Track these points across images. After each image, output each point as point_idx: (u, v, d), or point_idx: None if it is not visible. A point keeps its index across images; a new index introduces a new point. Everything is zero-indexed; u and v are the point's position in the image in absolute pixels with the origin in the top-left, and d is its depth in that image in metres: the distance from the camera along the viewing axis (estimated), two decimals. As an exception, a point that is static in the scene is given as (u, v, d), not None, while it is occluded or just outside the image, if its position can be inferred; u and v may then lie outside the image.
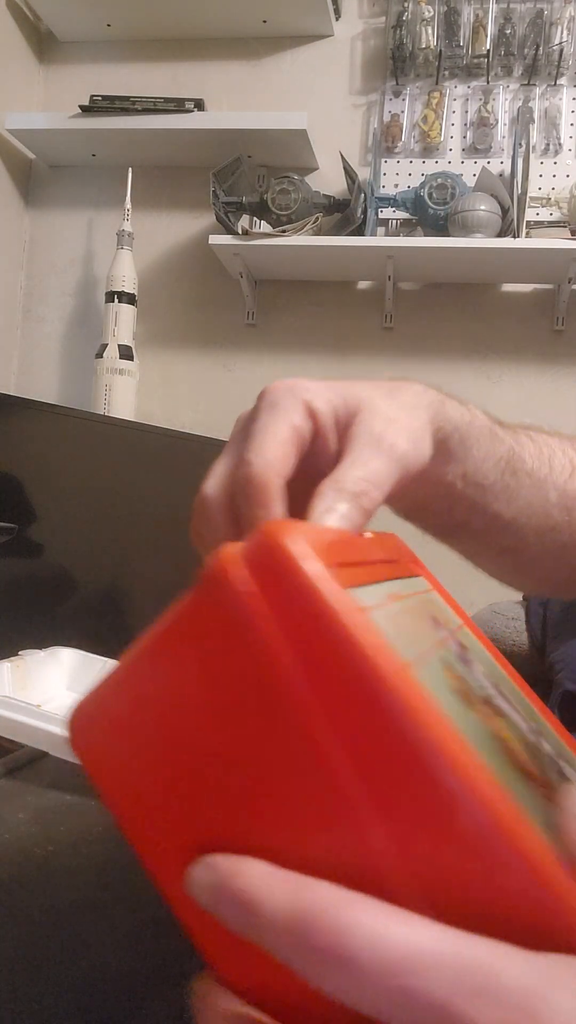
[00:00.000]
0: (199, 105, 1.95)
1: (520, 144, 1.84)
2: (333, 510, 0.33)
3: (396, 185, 1.98)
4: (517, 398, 1.97)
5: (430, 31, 1.94)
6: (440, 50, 1.94)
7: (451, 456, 0.42)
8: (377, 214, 1.92)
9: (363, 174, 1.95)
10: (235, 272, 1.99)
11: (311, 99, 2.04)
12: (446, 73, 1.97)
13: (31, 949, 0.39)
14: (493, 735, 0.26)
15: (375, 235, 1.91)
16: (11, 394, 1.95)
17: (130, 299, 1.95)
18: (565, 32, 1.89)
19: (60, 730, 0.56)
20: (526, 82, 1.95)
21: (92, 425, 1.26)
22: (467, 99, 1.98)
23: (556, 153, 1.94)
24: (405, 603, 0.30)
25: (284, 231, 1.85)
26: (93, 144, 2.05)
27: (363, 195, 1.85)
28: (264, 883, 0.22)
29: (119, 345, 1.92)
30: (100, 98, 1.97)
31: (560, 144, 1.94)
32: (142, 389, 1.99)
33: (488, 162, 1.94)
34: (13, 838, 0.48)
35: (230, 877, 0.22)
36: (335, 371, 2.05)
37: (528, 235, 1.81)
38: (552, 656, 1.14)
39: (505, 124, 1.96)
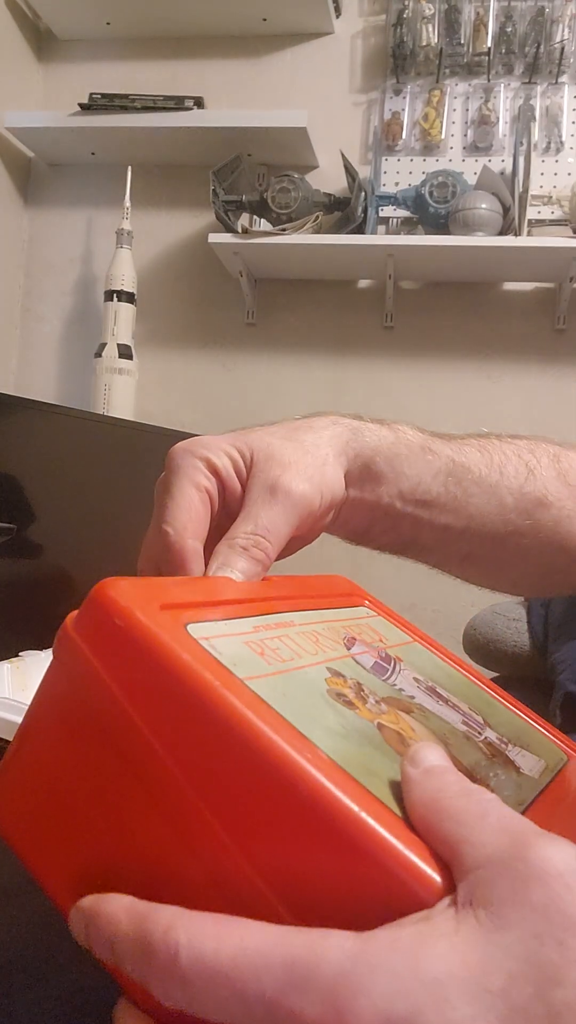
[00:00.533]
0: (199, 103, 1.94)
1: (521, 142, 1.83)
2: (225, 566, 0.36)
3: (397, 183, 1.98)
4: (518, 397, 1.96)
5: (431, 29, 1.93)
6: (441, 48, 1.93)
7: (380, 479, 0.44)
8: (378, 212, 1.91)
9: (363, 172, 1.94)
10: (235, 271, 1.98)
11: (311, 97, 2.03)
12: (447, 71, 1.97)
13: (30, 953, 0.38)
14: (372, 727, 0.29)
15: (375, 234, 1.90)
16: (10, 393, 1.94)
17: (129, 298, 1.94)
18: (566, 30, 1.89)
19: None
20: (527, 80, 1.94)
21: (91, 425, 1.25)
22: (468, 97, 1.97)
23: (557, 151, 1.93)
24: (291, 629, 0.33)
25: (284, 230, 1.85)
26: (92, 142, 2.04)
27: (363, 193, 1.84)
28: (116, 917, 0.24)
29: (118, 344, 1.91)
30: (99, 96, 1.96)
31: (561, 142, 1.93)
32: (141, 388, 1.99)
33: (489, 160, 1.93)
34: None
35: (93, 918, 0.25)
36: (335, 370, 2.04)
37: (529, 234, 1.80)
38: (554, 657, 1.13)
39: (506, 122, 1.96)
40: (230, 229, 1.86)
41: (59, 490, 1.05)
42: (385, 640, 0.39)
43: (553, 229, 1.85)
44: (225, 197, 1.85)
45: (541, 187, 1.91)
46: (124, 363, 1.91)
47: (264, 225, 1.90)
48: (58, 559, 1.04)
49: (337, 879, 0.22)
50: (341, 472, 0.43)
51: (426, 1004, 0.20)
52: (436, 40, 1.94)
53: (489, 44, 1.91)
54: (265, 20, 2.02)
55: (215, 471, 0.39)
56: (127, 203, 1.96)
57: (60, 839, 0.28)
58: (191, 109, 1.93)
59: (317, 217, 1.86)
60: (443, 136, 1.97)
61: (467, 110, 1.97)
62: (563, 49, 1.89)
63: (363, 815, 0.22)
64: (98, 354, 1.93)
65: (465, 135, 1.98)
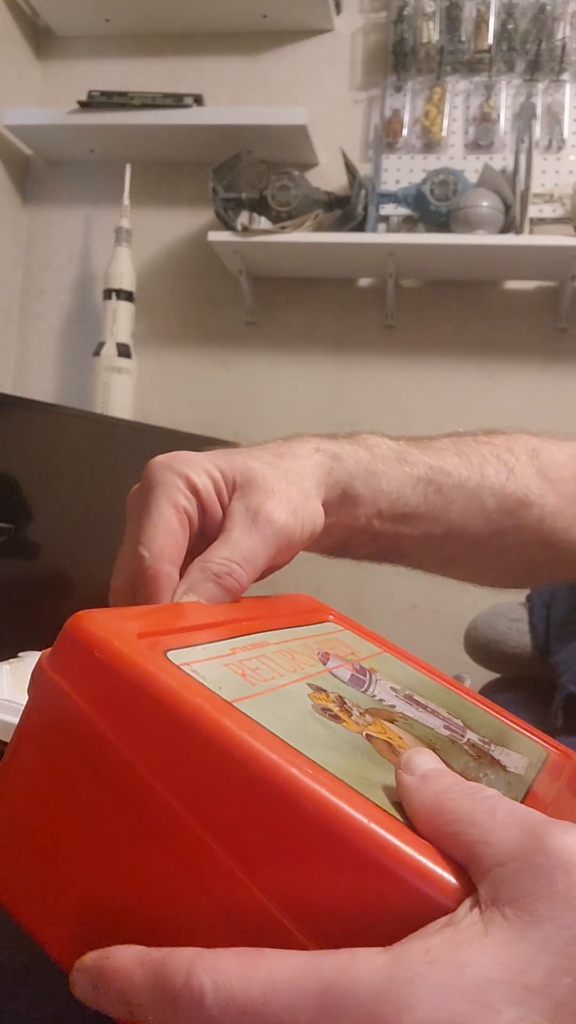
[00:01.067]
0: (198, 100, 1.94)
1: (523, 140, 1.82)
2: (193, 590, 0.35)
3: (397, 181, 1.97)
4: (519, 397, 1.96)
5: (431, 26, 1.92)
6: (442, 45, 1.92)
7: (357, 501, 0.44)
8: (378, 210, 1.91)
9: (364, 170, 1.93)
10: (234, 269, 1.97)
11: (311, 94, 2.03)
12: (448, 68, 1.96)
13: (29, 951, 0.37)
14: (361, 738, 0.28)
15: (376, 232, 1.89)
16: (8, 393, 1.94)
17: (128, 296, 1.94)
18: (568, 27, 1.88)
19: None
20: (528, 77, 1.93)
21: (90, 424, 1.25)
22: (469, 94, 1.97)
23: (559, 149, 1.93)
24: (267, 649, 0.33)
25: (284, 228, 1.84)
26: (91, 140, 2.03)
27: (364, 191, 1.83)
28: (128, 971, 0.23)
29: (117, 343, 1.91)
30: (98, 93, 1.95)
31: (563, 140, 1.92)
32: (140, 387, 1.98)
33: (490, 158, 1.93)
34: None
35: (100, 976, 0.23)
36: (335, 369, 2.04)
37: (531, 232, 1.80)
38: (555, 658, 1.13)
39: (507, 120, 1.95)
40: (230, 227, 1.86)
41: (57, 490, 1.04)
42: (356, 653, 0.40)
43: (555, 227, 1.84)
44: (224, 195, 1.84)
45: (543, 185, 1.90)
46: (123, 362, 1.90)
47: (264, 223, 1.89)
48: (56, 559, 1.03)
49: (353, 895, 0.22)
50: (320, 504, 0.42)
51: (471, 1013, 0.19)
52: (437, 37, 1.93)
53: (490, 41, 1.91)
54: (265, 17, 2.01)
55: (195, 490, 0.38)
56: (126, 201, 1.96)
57: (51, 890, 0.27)
58: (190, 107, 1.92)
59: (317, 215, 1.85)
60: (444, 134, 1.96)
61: (468, 107, 1.97)
62: (564, 46, 1.89)
63: (375, 827, 0.22)
64: (97, 353, 1.92)
65: (466, 133, 1.97)
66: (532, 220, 1.82)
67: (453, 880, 0.22)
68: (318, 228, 1.87)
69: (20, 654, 0.74)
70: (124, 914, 0.25)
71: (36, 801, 0.27)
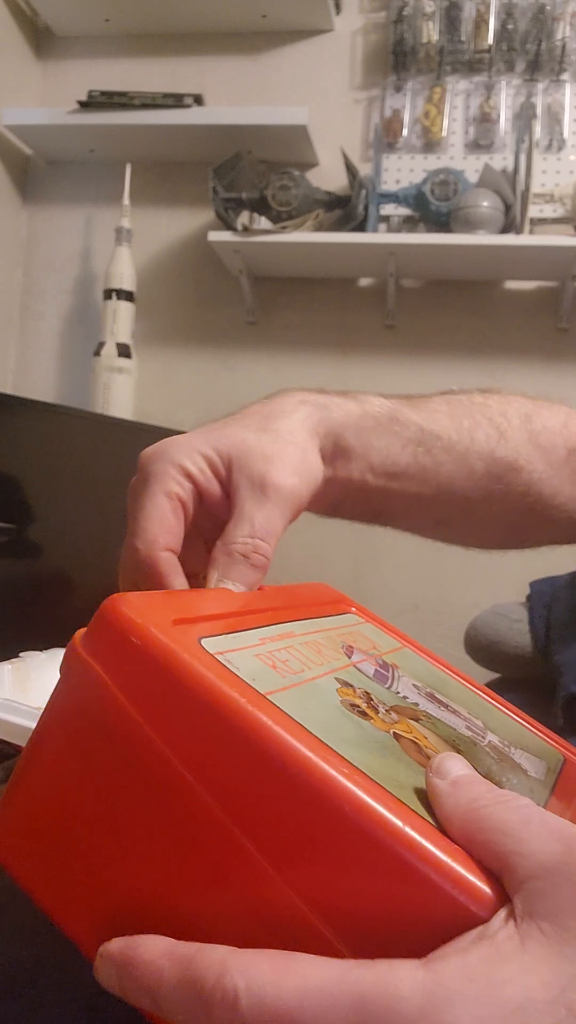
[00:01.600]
0: (198, 100, 1.93)
1: (523, 140, 1.82)
2: (227, 576, 0.35)
3: (398, 181, 1.97)
4: (519, 396, 1.95)
5: (431, 26, 1.92)
6: (442, 45, 1.92)
7: (350, 454, 0.43)
8: (378, 210, 1.91)
9: (364, 170, 1.93)
10: (235, 269, 1.97)
11: (311, 94, 2.02)
12: (448, 68, 1.96)
13: (33, 952, 0.37)
14: (389, 737, 0.28)
15: (376, 232, 1.89)
16: (8, 393, 1.94)
17: (128, 296, 1.93)
18: (567, 27, 1.88)
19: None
20: (528, 77, 1.93)
21: (90, 424, 1.24)
22: (469, 94, 1.97)
23: (559, 149, 1.93)
24: (294, 640, 0.33)
25: (284, 227, 1.84)
26: (91, 140, 2.03)
27: (364, 191, 1.83)
28: (157, 964, 0.22)
29: (117, 343, 1.91)
30: (98, 93, 1.95)
31: (563, 140, 1.92)
32: (140, 388, 1.98)
33: (491, 158, 1.93)
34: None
35: (127, 966, 0.23)
36: (336, 369, 2.04)
37: (532, 232, 1.80)
38: (556, 659, 1.12)
39: (507, 119, 1.95)
40: (230, 227, 1.85)
41: (58, 490, 1.04)
42: (378, 647, 0.39)
43: (555, 227, 1.84)
44: (225, 195, 1.84)
45: (543, 185, 1.90)
46: (123, 362, 1.90)
47: (264, 223, 1.89)
48: (57, 559, 1.03)
49: (386, 900, 0.21)
50: (318, 455, 0.42)
51: None
52: (437, 37, 1.93)
53: (490, 41, 1.90)
54: (265, 17, 2.01)
55: (189, 475, 0.38)
56: (126, 201, 1.95)
57: (75, 876, 0.26)
58: (190, 106, 1.92)
59: (318, 215, 1.85)
60: (444, 134, 1.96)
61: (468, 107, 1.97)
62: (564, 46, 1.89)
63: (411, 832, 0.22)
64: (97, 353, 1.92)
65: (466, 132, 1.97)
66: (532, 220, 1.82)
67: (487, 889, 0.21)
68: (318, 228, 1.87)
69: (21, 654, 0.74)
70: (151, 902, 0.25)
71: (62, 784, 0.26)
